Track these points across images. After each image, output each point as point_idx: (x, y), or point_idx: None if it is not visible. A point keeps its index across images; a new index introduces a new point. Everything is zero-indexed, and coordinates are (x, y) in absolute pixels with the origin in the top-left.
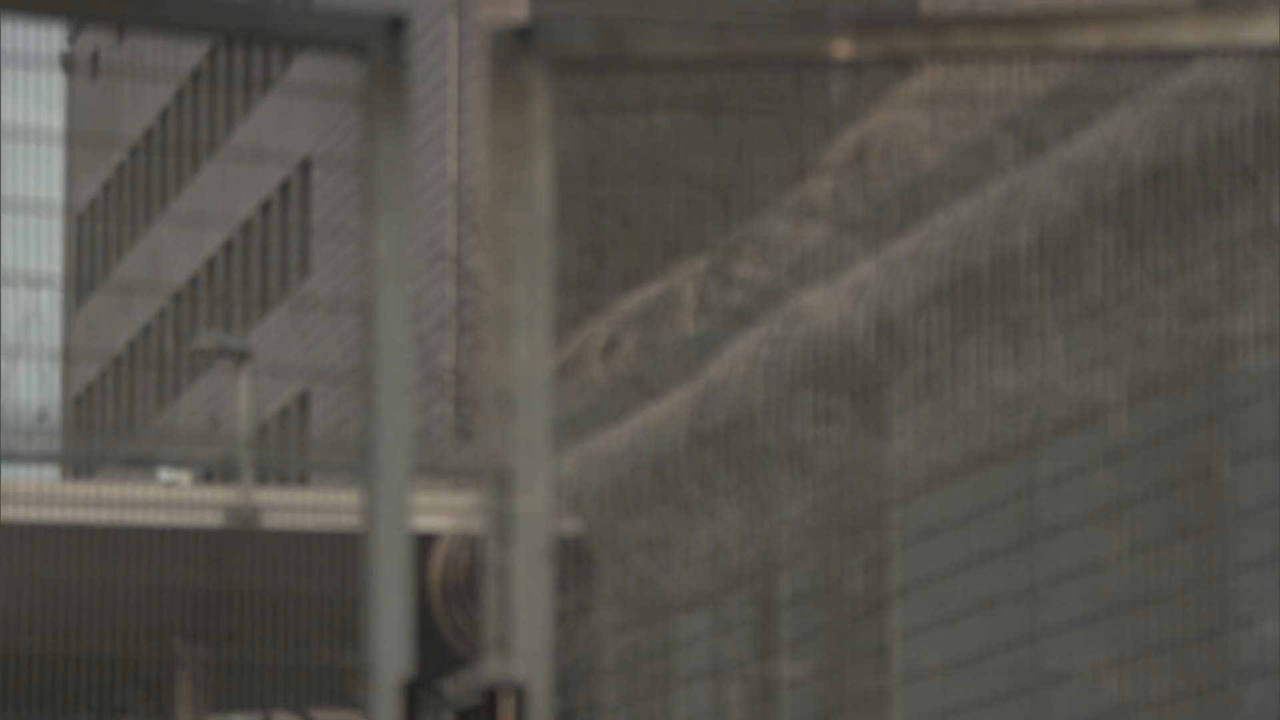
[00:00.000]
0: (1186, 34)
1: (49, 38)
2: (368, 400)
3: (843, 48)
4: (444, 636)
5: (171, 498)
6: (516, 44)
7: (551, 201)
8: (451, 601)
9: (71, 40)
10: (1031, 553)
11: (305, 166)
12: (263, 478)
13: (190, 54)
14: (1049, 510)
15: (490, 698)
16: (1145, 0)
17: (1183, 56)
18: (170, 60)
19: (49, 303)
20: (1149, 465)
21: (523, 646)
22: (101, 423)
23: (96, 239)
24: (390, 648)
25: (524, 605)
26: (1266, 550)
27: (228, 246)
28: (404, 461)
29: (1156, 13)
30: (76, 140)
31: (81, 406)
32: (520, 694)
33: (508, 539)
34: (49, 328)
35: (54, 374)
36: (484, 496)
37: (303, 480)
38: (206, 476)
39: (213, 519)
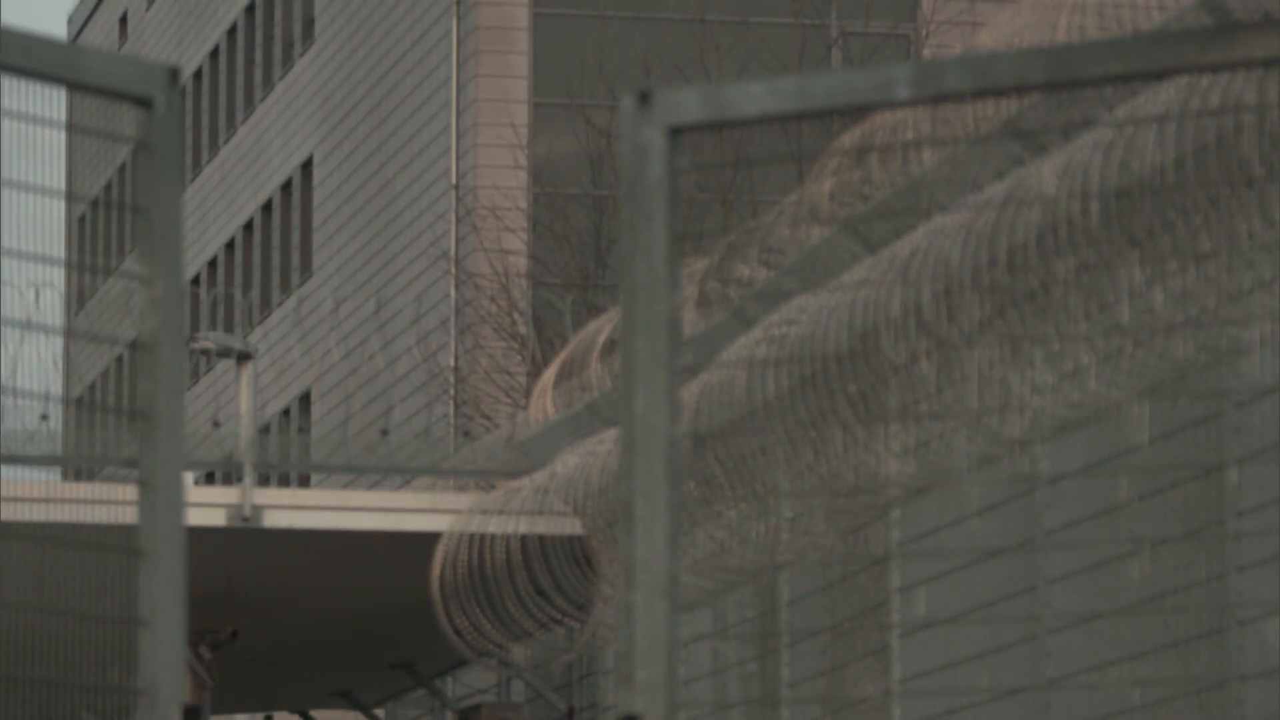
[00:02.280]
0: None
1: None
2: (145, 434)
3: (903, 91)
4: (444, 637)
5: None
6: (639, 110)
7: (671, 259)
8: (451, 602)
9: (75, 38)
10: (1032, 553)
11: (306, 166)
12: (264, 478)
13: (192, 54)
14: (1050, 511)
15: None
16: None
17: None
18: (173, 60)
19: (49, 303)
20: (1150, 466)
21: (642, 680)
22: (103, 424)
23: (99, 238)
24: (167, 671)
25: (643, 642)
26: (1268, 550)
27: (229, 246)
28: (177, 494)
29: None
30: (78, 138)
31: (83, 407)
32: None
33: (631, 579)
34: (49, 329)
35: (55, 375)
36: (619, 539)
37: (303, 480)
38: (208, 477)
39: (213, 518)
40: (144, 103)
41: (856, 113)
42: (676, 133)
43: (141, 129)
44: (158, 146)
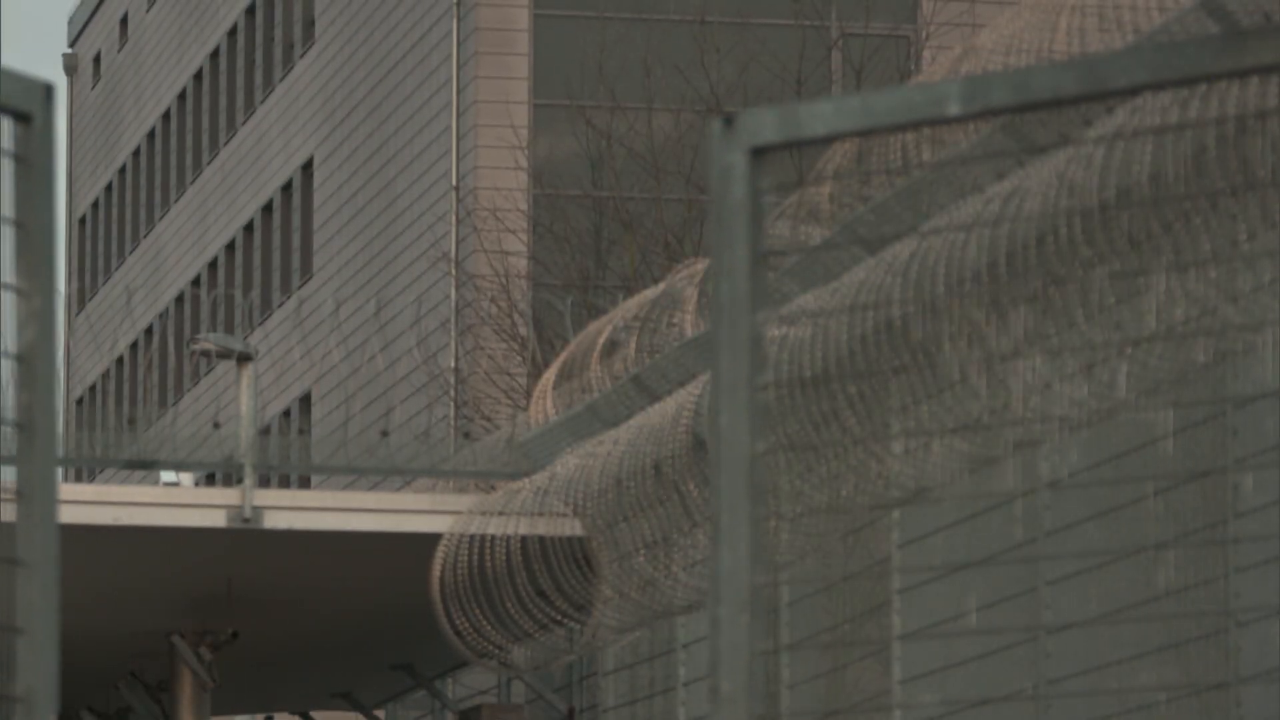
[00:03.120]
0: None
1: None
2: (22, 445)
3: (954, 108)
4: (444, 638)
5: (172, 498)
6: (724, 133)
7: (753, 279)
8: (451, 603)
9: (73, 43)
10: (1031, 553)
11: (306, 167)
12: (264, 479)
13: (193, 55)
14: (1050, 511)
15: None
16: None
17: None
18: (173, 61)
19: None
20: (1150, 466)
21: (725, 692)
22: (103, 425)
23: (99, 240)
24: (43, 679)
25: (726, 654)
26: (1269, 550)
27: (229, 248)
28: (51, 503)
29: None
30: (78, 141)
31: (83, 408)
32: None
33: (716, 592)
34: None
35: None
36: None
37: (304, 482)
38: (209, 478)
39: (213, 519)
40: (22, 117)
41: (915, 128)
42: (758, 154)
43: (19, 143)
44: (34, 161)
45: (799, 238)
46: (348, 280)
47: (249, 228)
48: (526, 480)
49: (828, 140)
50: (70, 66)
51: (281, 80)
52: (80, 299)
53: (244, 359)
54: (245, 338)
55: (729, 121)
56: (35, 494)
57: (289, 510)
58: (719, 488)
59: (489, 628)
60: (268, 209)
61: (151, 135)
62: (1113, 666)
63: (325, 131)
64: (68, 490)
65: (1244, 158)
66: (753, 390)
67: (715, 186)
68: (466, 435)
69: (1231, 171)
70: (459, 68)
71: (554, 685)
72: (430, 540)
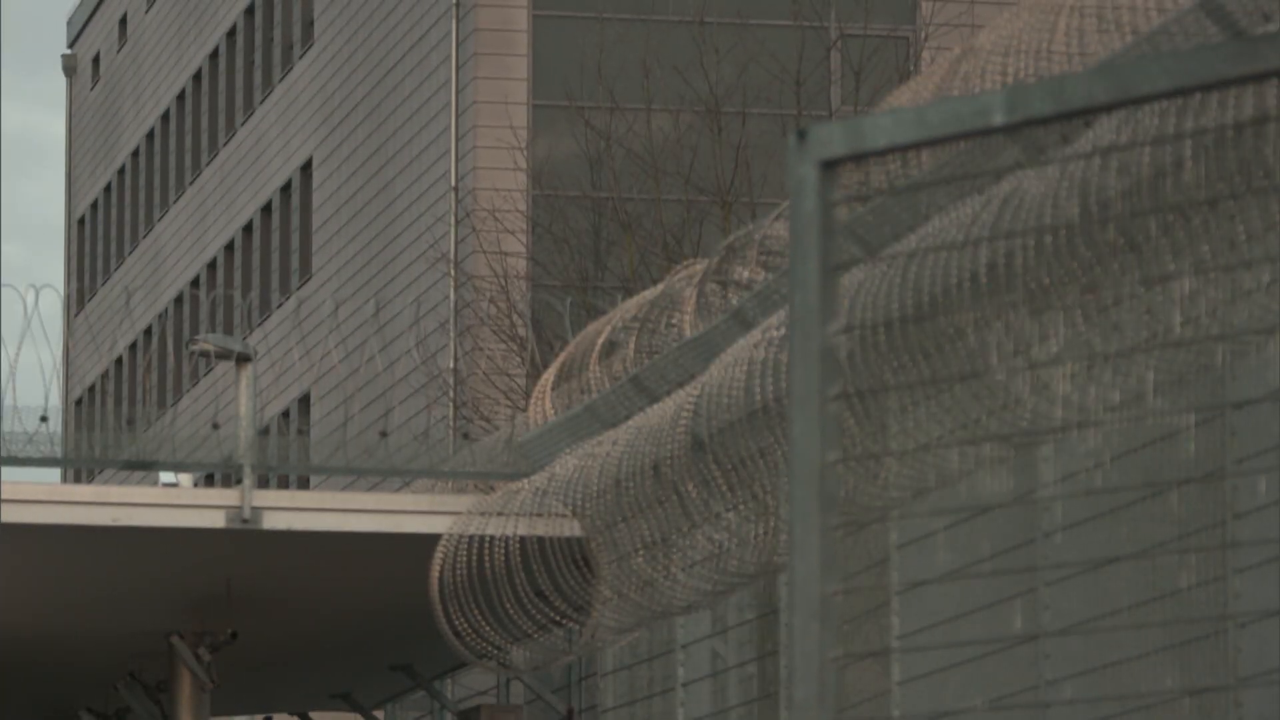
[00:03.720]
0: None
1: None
2: None
3: (998, 117)
4: (443, 639)
5: (171, 498)
6: (798, 147)
7: (824, 292)
8: (450, 604)
9: (73, 43)
10: (1031, 554)
11: (306, 168)
12: (263, 480)
13: (192, 56)
14: (1049, 511)
15: None
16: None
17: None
18: (172, 62)
19: (50, 305)
20: (1150, 466)
21: (799, 700)
22: (102, 425)
23: (98, 241)
24: None
25: (799, 662)
26: (1268, 551)
27: (228, 248)
28: None
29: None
30: (77, 142)
31: (82, 409)
32: None
33: (791, 601)
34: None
35: (54, 377)
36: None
37: (303, 482)
38: (208, 479)
39: (212, 519)
40: None
41: (965, 138)
42: (828, 167)
43: None
44: None
45: None
46: (347, 281)
47: (248, 228)
48: (525, 481)
49: (888, 152)
50: (69, 67)
51: (280, 81)
52: (79, 299)
53: (243, 359)
54: (244, 338)
55: (802, 135)
56: None
57: (288, 511)
58: (793, 498)
59: (488, 628)
60: (267, 210)
61: (150, 136)
62: (1112, 668)
63: (324, 132)
64: (67, 490)
65: (1247, 161)
66: (823, 402)
67: (791, 200)
68: (465, 436)
69: (1232, 175)
70: (458, 68)
71: (553, 686)
72: (429, 541)
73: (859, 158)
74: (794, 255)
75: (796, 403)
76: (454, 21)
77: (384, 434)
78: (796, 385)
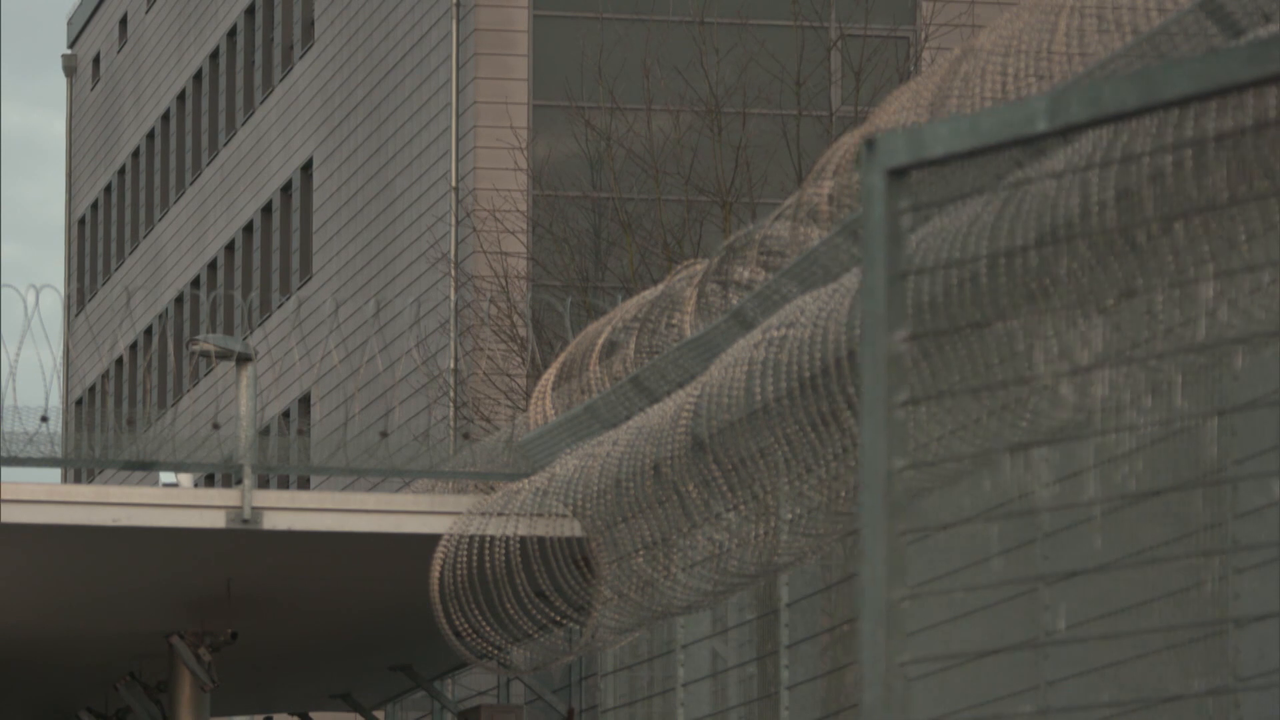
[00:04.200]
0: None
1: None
2: None
3: (1042, 124)
4: (444, 639)
5: (171, 498)
6: (867, 155)
7: (890, 300)
8: (450, 604)
9: (73, 43)
10: (1030, 554)
11: (306, 168)
12: (263, 480)
13: (192, 56)
14: (1048, 512)
15: None
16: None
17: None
18: (172, 62)
19: (50, 305)
20: (1150, 466)
21: (866, 704)
22: (102, 425)
23: (98, 241)
24: None
25: (867, 668)
26: (1267, 553)
27: (229, 248)
28: None
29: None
30: (77, 142)
31: (82, 409)
32: None
33: (860, 607)
34: (50, 330)
35: (55, 377)
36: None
37: (303, 482)
38: (208, 479)
39: (212, 520)
40: None
41: (1014, 145)
42: (895, 175)
43: None
44: None
45: (798, 238)
46: (347, 281)
47: (248, 228)
48: (526, 481)
49: (946, 161)
50: (70, 67)
51: (281, 81)
52: (80, 300)
53: (243, 360)
54: (245, 338)
55: (870, 144)
56: None
57: (288, 511)
58: (863, 504)
59: (488, 629)
60: (267, 210)
61: (151, 136)
62: (1111, 668)
63: (325, 132)
64: (67, 490)
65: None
66: (889, 409)
67: (863, 208)
68: (466, 436)
69: (1232, 172)
70: (458, 69)
71: (553, 686)
72: (429, 541)
73: (921, 165)
74: (865, 264)
75: (865, 409)
76: (454, 21)
77: (384, 434)
78: (865, 392)
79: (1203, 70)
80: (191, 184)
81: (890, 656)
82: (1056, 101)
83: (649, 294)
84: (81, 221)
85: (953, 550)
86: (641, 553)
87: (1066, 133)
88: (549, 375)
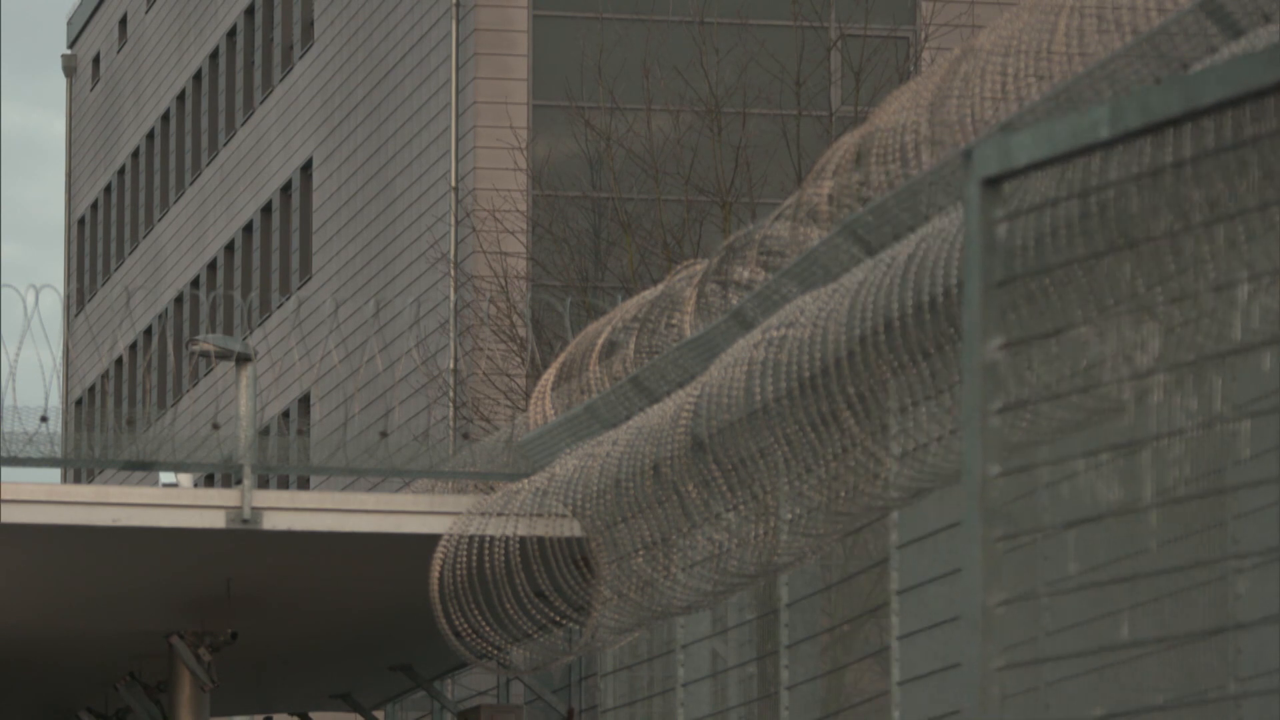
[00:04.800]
0: None
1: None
2: None
3: (1104, 131)
4: (444, 639)
5: (171, 498)
6: (963, 165)
7: (985, 310)
8: (450, 604)
9: (73, 44)
10: (1030, 554)
11: (306, 168)
12: (263, 480)
13: (192, 56)
14: (1048, 512)
15: None
16: None
17: None
18: (172, 63)
19: (50, 305)
20: (1149, 467)
21: (965, 708)
22: (102, 426)
23: (98, 241)
24: None
25: (966, 672)
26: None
27: (229, 248)
28: None
29: None
30: (77, 142)
31: (82, 409)
32: None
33: (961, 612)
34: (50, 330)
35: (54, 377)
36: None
37: (303, 483)
38: (208, 479)
39: (212, 520)
40: None
41: (1082, 154)
42: (989, 184)
43: None
44: None
45: (798, 238)
46: (347, 281)
47: (248, 229)
48: (525, 481)
49: (1029, 170)
50: (69, 67)
51: (280, 81)
52: (79, 300)
53: (243, 360)
54: (244, 339)
55: (968, 154)
56: None
57: (288, 511)
58: (965, 511)
59: (488, 629)
60: (267, 210)
61: (151, 136)
62: (1110, 668)
63: (324, 132)
64: (67, 490)
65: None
66: (983, 416)
67: (964, 218)
68: (465, 436)
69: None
70: (458, 69)
71: (553, 686)
72: (429, 541)
73: (1011, 175)
74: (965, 274)
75: (964, 416)
76: (454, 21)
77: (384, 434)
78: (965, 400)
79: (1236, 74)
80: (191, 184)
81: (986, 661)
82: (1115, 110)
83: (649, 294)
84: (81, 221)
85: (1035, 556)
86: (641, 553)
87: (1125, 139)
88: (549, 375)
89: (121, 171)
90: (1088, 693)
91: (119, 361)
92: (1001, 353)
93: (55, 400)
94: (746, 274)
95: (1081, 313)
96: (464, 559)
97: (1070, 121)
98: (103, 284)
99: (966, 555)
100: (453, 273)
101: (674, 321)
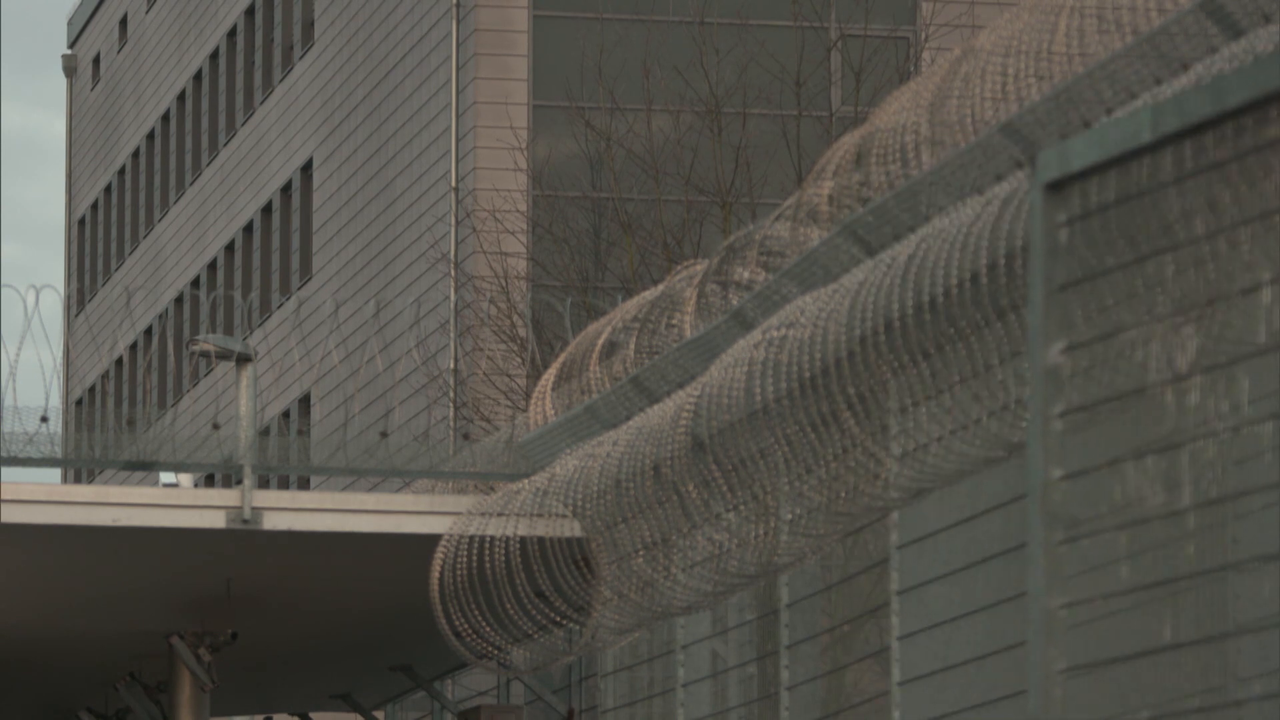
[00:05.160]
0: None
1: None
2: None
3: (1145, 135)
4: (444, 639)
5: (171, 499)
6: (1028, 171)
7: (1047, 313)
8: (450, 604)
9: (73, 44)
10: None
11: (306, 169)
12: (263, 480)
13: (193, 57)
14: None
15: None
16: None
17: None
18: (172, 63)
19: (50, 305)
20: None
21: (1030, 710)
22: (102, 426)
23: (98, 241)
24: None
25: (1030, 674)
26: (1268, 552)
27: (229, 249)
28: None
29: None
30: (77, 142)
31: (82, 409)
32: None
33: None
34: (50, 331)
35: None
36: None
37: (303, 483)
38: (208, 479)
39: (212, 520)
40: None
41: (1131, 158)
42: (1052, 189)
43: None
44: None
45: (798, 238)
46: (347, 281)
47: (248, 229)
48: (525, 481)
49: (1086, 175)
50: (70, 68)
51: (281, 81)
52: (80, 300)
53: (243, 360)
54: (245, 339)
55: (1033, 160)
56: None
57: (288, 511)
58: (1028, 514)
59: (488, 629)
60: (267, 210)
61: (151, 136)
62: (1110, 667)
63: (325, 133)
64: (67, 491)
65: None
66: (1045, 419)
67: (1029, 223)
68: (466, 436)
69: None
70: (458, 69)
71: (553, 686)
72: (429, 541)
73: (1070, 180)
74: (1029, 277)
75: (1030, 421)
76: (454, 22)
77: (384, 434)
78: (1030, 404)
79: (1266, 76)
80: (191, 184)
81: (1049, 663)
82: (1156, 113)
83: (649, 294)
84: (81, 221)
85: (1084, 558)
86: (641, 553)
87: (1165, 144)
88: (549, 376)
89: (122, 171)
90: (1135, 693)
91: (119, 361)
92: (1063, 356)
93: (55, 400)
94: (746, 274)
95: (1130, 316)
96: (464, 559)
97: (1119, 126)
98: (103, 284)
99: (1030, 559)
100: (453, 273)
101: (674, 322)
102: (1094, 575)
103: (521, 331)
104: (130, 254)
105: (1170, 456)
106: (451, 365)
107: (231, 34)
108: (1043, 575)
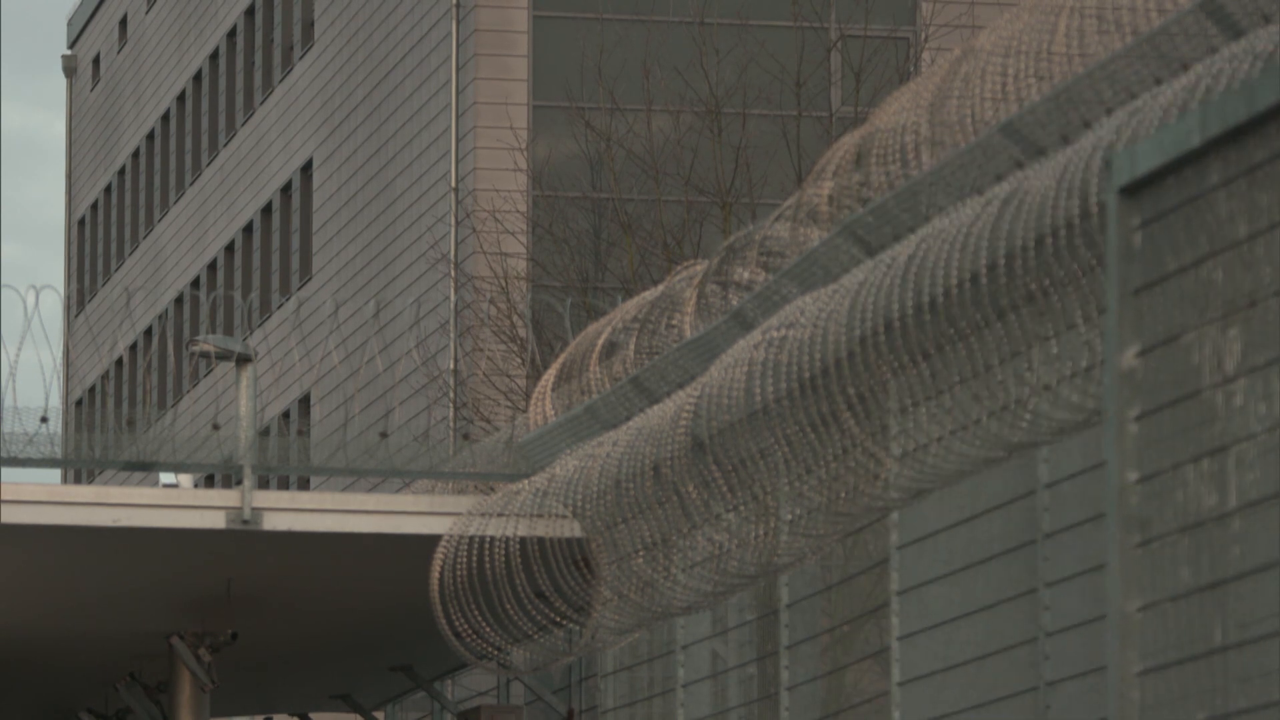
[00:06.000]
0: None
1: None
2: None
3: (1195, 140)
4: (444, 640)
5: (171, 499)
6: (1103, 173)
7: (1120, 316)
8: (450, 604)
9: (73, 44)
10: (1031, 554)
11: (306, 169)
12: (263, 480)
13: (192, 57)
14: (1048, 512)
15: None
16: None
17: None
18: (172, 63)
19: (50, 306)
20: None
21: (1110, 710)
22: (102, 426)
23: (98, 241)
24: None
25: (1110, 678)
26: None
27: (229, 249)
28: None
29: None
30: (77, 143)
31: (82, 410)
32: None
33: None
34: (50, 331)
35: (54, 378)
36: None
37: (303, 483)
38: (208, 479)
39: (212, 520)
40: None
41: (1183, 164)
42: (1126, 192)
43: None
44: None
45: (798, 239)
46: (347, 282)
47: (248, 229)
48: (525, 482)
49: (1150, 180)
50: (69, 68)
51: (281, 82)
52: (79, 300)
53: (243, 360)
54: (244, 339)
55: (1107, 163)
56: None
57: (288, 512)
58: (1107, 517)
59: (488, 629)
60: (267, 210)
61: (151, 137)
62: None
63: (325, 133)
64: (67, 491)
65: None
66: (1123, 422)
67: (1106, 227)
68: (466, 437)
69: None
70: (458, 69)
71: (553, 687)
72: (429, 542)
73: (1139, 184)
74: (1104, 281)
75: (1107, 424)
76: (454, 22)
77: (384, 435)
78: (1106, 407)
79: None
80: (191, 184)
81: (1124, 665)
82: (1203, 117)
83: (649, 294)
84: (81, 222)
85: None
86: (641, 553)
87: (1213, 146)
88: (549, 376)
89: (121, 172)
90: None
91: (119, 362)
92: (1137, 360)
93: (55, 401)
94: (746, 274)
95: (1188, 318)
96: (464, 559)
97: (1173, 130)
98: (103, 284)
99: (1107, 560)
100: (453, 273)
101: (674, 322)
102: (1162, 577)
103: (521, 332)
104: (130, 254)
105: (1232, 455)
106: (451, 366)
107: (231, 34)
108: (1119, 579)
